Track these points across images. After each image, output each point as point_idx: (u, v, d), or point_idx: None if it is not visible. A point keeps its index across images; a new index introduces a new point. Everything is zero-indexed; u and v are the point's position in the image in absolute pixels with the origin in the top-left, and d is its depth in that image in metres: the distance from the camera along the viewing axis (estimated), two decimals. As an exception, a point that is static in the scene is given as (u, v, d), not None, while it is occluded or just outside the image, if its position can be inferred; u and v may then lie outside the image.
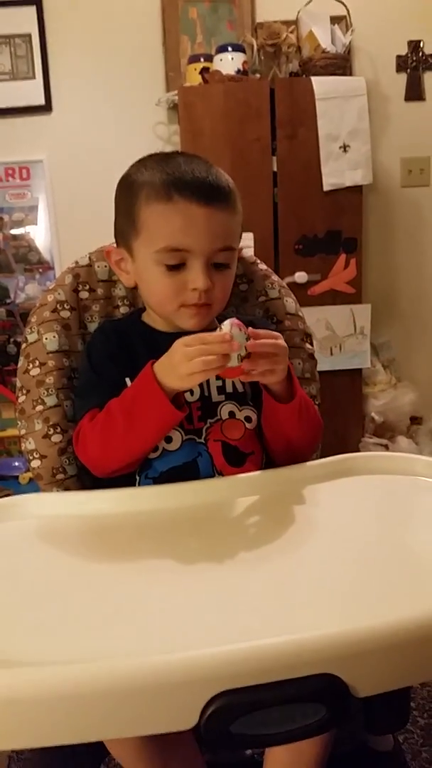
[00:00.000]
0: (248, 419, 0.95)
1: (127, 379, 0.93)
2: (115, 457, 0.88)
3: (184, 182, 0.86)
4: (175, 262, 0.88)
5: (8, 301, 2.66)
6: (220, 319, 0.96)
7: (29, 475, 2.37)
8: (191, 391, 0.92)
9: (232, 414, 0.94)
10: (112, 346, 0.95)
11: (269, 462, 0.97)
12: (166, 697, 0.49)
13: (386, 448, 2.41)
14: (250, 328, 0.83)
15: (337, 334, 2.34)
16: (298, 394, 0.91)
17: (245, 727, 0.51)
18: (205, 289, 0.88)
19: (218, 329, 0.81)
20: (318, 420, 0.97)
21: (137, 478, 0.91)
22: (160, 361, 0.85)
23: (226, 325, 0.81)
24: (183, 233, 0.86)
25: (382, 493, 0.85)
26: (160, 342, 0.94)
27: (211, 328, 0.87)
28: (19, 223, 2.63)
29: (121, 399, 0.88)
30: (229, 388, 0.95)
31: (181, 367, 0.81)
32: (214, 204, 0.87)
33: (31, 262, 2.65)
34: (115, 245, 0.98)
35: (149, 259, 0.89)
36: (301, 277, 2.27)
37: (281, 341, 0.85)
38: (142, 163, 0.94)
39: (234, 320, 0.81)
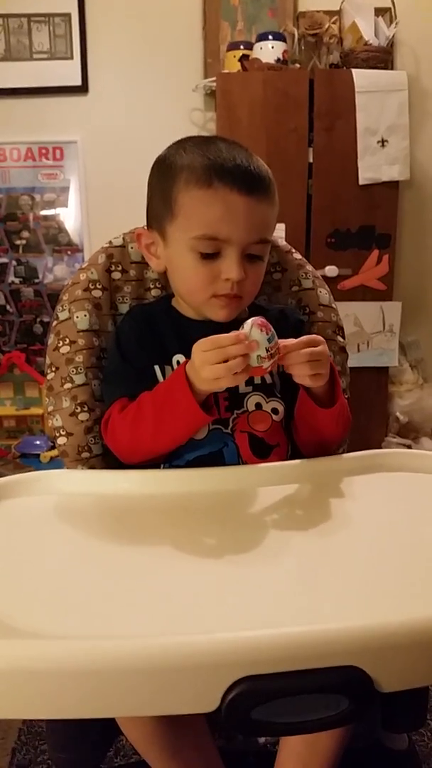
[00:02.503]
0: (275, 411, 0.94)
1: (156, 367, 0.92)
2: (143, 450, 0.88)
3: (225, 169, 0.84)
4: (210, 250, 0.86)
5: (36, 281, 2.68)
6: (251, 309, 0.95)
7: (50, 453, 2.39)
8: None
9: (258, 405, 0.93)
10: (141, 332, 0.95)
11: (294, 454, 0.96)
12: (189, 678, 0.49)
13: (409, 448, 2.38)
14: (301, 338, 0.82)
15: (366, 330, 2.32)
16: (339, 400, 0.89)
17: (266, 714, 0.50)
18: (238, 280, 0.86)
19: (241, 328, 0.80)
20: (349, 417, 0.96)
21: (162, 465, 0.91)
22: (189, 363, 0.83)
23: (247, 325, 0.79)
24: (222, 222, 0.85)
25: (410, 490, 0.84)
26: (189, 329, 0.94)
27: (240, 319, 0.86)
28: (50, 204, 2.63)
29: (153, 395, 0.87)
30: (256, 380, 0.94)
31: (203, 372, 0.80)
32: (254, 194, 0.85)
33: (60, 243, 2.65)
34: (145, 228, 0.96)
35: (184, 245, 0.87)
36: (331, 270, 2.24)
37: (324, 347, 0.84)
38: (180, 145, 0.91)
39: (257, 320, 0.79)
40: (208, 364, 0.79)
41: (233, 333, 0.78)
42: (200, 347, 0.80)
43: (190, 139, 0.92)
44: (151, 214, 0.94)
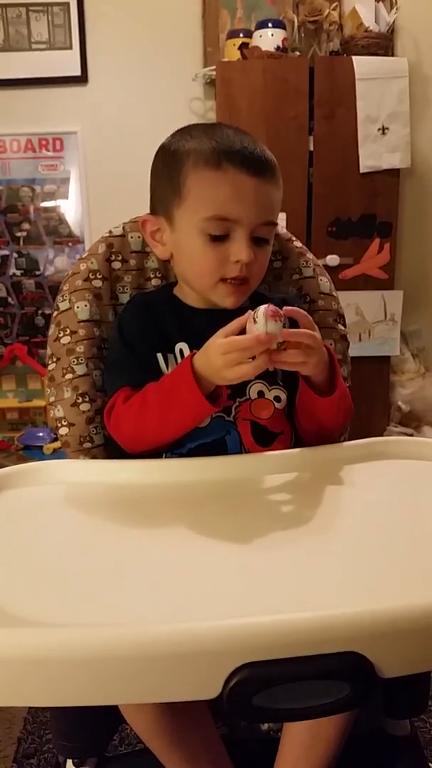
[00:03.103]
0: (277, 399, 0.94)
1: (159, 355, 0.92)
2: (147, 440, 0.88)
3: (234, 151, 0.85)
4: (219, 232, 0.86)
5: (37, 273, 2.67)
6: (253, 299, 0.94)
7: (53, 445, 2.40)
8: None
9: (261, 393, 0.93)
10: (144, 320, 0.94)
11: (298, 442, 0.96)
12: (191, 664, 0.49)
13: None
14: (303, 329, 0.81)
15: (367, 319, 2.32)
16: (339, 388, 0.89)
17: (268, 700, 0.50)
18: (247, 262, 0.86)
19: (252, 318, 0.77)
20: (351, 405, 0.96)
21: (165, 454, 0.90)
22: (200, 357, 0.82)
23: (260, 319, 0.76)
24: (232, 203, 0.85)
25: (413, 477, 0.84)
26: (192, 318, 0.94)
27: (243, 307, 0.86)
28: (51, 195, 2.63)
29: (158, 386, 0.87)
30: None
31: (225, 373, 0.79)
32: (262, 176, 0.86)
33: (61, 235, 2.65)
34: (148, 214, 0.96)
35: (193, 228, 0.87)
36: (332, 260, 2.24)
37: (317, 334, 0.83)
38: (185, 131, 0.92)
39: (268, 310, 0.76)
40: (231, 366, 0.78)
41: (253, 336, 0.76)
42: (219, 350, 0.78)
43: (194, 126, 0.93)
44: (155, 200, 0.94)
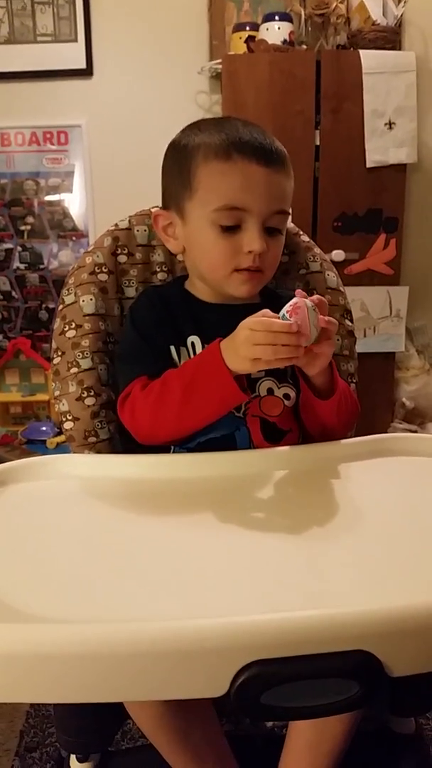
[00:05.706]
0: (287, 397, 0.93)
1: (172, 348, 0.92)
2: (165, 430, 0.86)
3: (243, 142, 0.85)
4: (231, 222, 0.86)
5: (41, 266, 2.66)
6: (265, 295, 0.93)
7: (56, 439, 2.39)
8: None
9: (270, 391, 0.93)
10: (158, 312, 0.94)
11: (305, 440, 0.95)
12: (198, 662, 0.48)
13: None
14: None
15: (372, 315, 2.30)
16: (338, 390, 0.88)
17: (276, 698, 0.50)
18: (260, 252, 0.86)
19: (287, 310, 0.76)
20: (355, 405, 0.95)
21: (173, 448, 0.89)
22: (227, 339, 0.81)
23: (301, 308, 0.75)
24: (242, 192, 0.85)
25: (418, 474, 0.83)
26: (204, 313, 0.94)
27: (254, 303, 0.84)
28: (55, 189, 2.61)
29: (180, 372, 0.86)
30: None
31: (241, 349, 0.78)
32: (272, 165, 0.86)
33: (65, 228, 2.64)
34: (160, 209, 0.95)
35: (204, 220, 0.87)
36: (338, 255, 2.22)
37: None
38: (194, 125, 0.92)
39: (303, 306, 0.75)
40: (251, 344, 0.76)
41: (286, 323, 0.75)
42: (249, 325, 0.77)
43: (203, 121, 0.93)
44: (167, 195, 0.94)
